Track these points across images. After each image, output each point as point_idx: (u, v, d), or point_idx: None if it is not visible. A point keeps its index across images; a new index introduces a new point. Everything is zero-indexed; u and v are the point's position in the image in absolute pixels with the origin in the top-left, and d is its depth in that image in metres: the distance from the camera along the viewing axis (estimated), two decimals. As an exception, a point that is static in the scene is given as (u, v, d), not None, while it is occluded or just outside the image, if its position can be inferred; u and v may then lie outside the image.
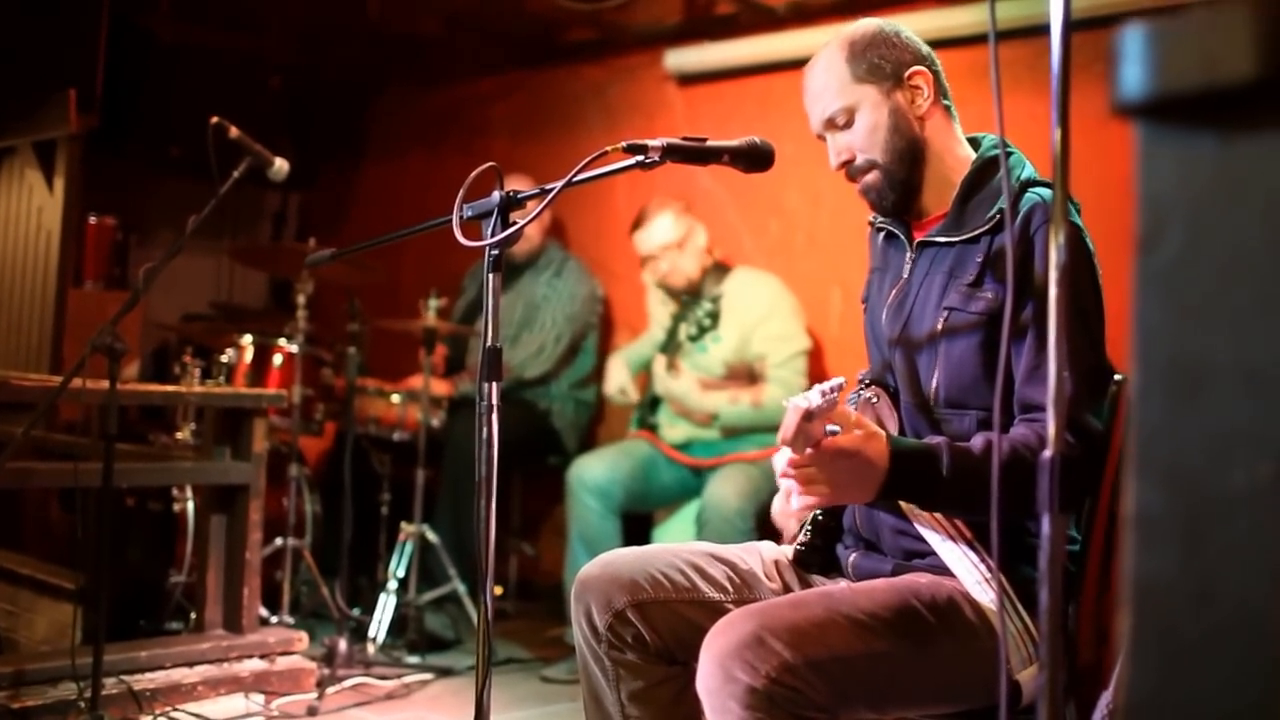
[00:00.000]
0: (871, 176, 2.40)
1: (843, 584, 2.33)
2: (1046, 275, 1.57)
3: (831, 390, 2.01)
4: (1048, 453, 1.44)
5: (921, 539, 2.26)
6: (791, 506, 2.17)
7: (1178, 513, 0.65)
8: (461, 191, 2.25)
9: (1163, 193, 0.66)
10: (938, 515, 2.23)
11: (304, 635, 4.22)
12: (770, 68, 5.45)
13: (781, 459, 2.12)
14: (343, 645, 4.39)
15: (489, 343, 2.24)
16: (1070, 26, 1.52)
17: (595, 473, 4.87)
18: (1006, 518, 1.70)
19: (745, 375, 4.90)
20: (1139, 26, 0.66)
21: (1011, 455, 2.08)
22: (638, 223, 5.08)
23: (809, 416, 1.97)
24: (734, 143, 2.29)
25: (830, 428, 2.06)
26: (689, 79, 5.86)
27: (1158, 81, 0.65)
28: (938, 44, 2.58)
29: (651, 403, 5.16)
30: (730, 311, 4.91)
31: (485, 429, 2.23)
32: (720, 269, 5.08)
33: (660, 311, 5.28)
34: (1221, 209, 0.64)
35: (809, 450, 2.04)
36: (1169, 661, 0.65)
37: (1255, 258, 0.63)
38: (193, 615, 4.22)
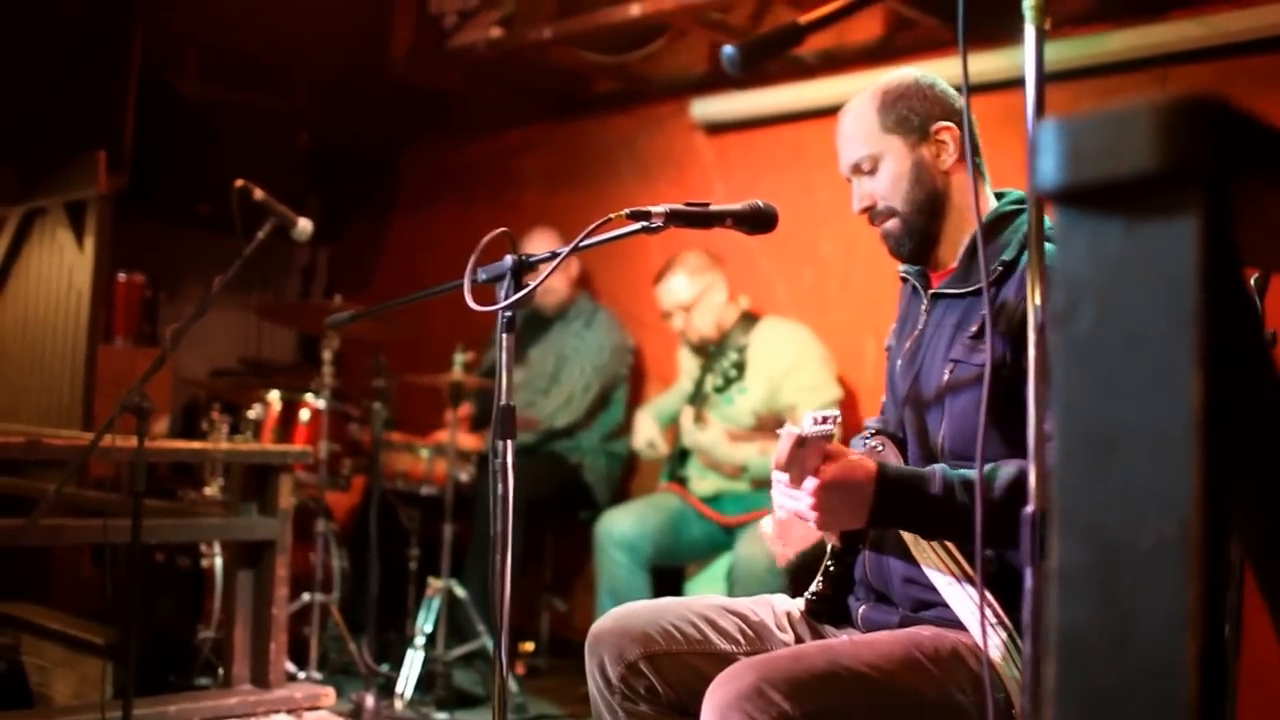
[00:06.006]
0: (891, 224, 2.45)
1: (845, 636, 2.36)
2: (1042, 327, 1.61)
3: (824, 419, 2.08)
4: (1029, 508, 1.47)
5: (931, 588, 2.27)
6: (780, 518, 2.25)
7: (1096, 567, 0.70)
8: (474, 256, 2.31)
9: (1076, 272, 0.72)
10: (943, 556, 2.25)
11: (331, 691, 4.23)
12: (801, 116, 5.39)
13: (778, 484, 2.20)
14: (370, 701, 4.41)
15: (503, 401, 2.29)
16: (1044, 77, 1.56)
17: (623, 527, 4.88)
18: (1003, 545, 1.73)
19: (776, 426, 4.88)
20: (1053, 122, 0.72)
21: (1011, 478, 2.12)
22: (659, 276, 5.12)
23: (801, 443, 2.06)
24: (736, 207, 2.35)
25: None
26: (716, 128, 5.86)
27: (1069, 171, 0.71)
28: (969, 90, 2.61)
29: (681, 455, 5.16)
30: (756, 362, 4.90)
31: (500, 486, 2.28)
32: (748, 319, 5.07)
33: (689, 363, 5.29)
34: (1127, 288, 0.70)
35: (806, 484, 2.11)
36: (1090, 706, 0.69)
37: (1157, 333, 0.68)
38: (220, 671, 4.25)
